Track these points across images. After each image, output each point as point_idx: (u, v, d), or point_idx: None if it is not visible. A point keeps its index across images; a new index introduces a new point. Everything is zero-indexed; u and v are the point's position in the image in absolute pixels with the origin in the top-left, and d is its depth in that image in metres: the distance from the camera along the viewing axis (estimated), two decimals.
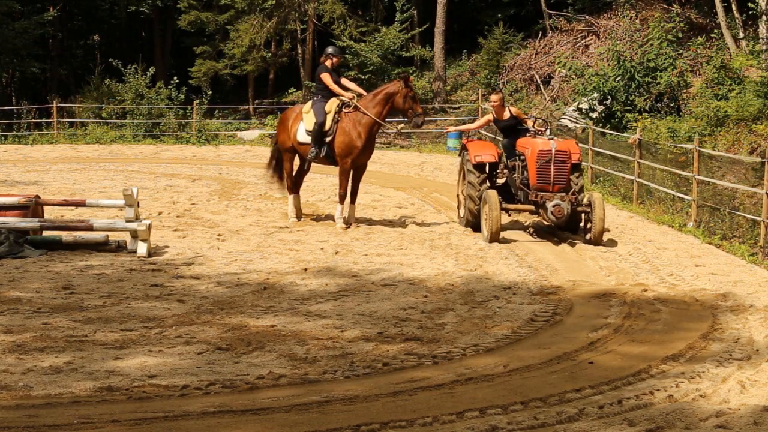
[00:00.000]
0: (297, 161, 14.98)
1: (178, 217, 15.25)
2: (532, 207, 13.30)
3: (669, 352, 8.00)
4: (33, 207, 12.53)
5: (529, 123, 14.14)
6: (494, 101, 14.11)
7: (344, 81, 14.55)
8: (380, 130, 14.55)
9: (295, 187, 14.89)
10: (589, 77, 23.89)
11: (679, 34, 25.07)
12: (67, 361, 7.30)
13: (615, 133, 20.61)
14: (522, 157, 13.58)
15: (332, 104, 14.08)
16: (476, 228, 13.75)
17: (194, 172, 22.38)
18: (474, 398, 6.65)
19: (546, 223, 13.61)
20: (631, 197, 17.57)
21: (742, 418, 6.25)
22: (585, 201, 13.26)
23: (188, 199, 17.31)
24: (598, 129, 20.80)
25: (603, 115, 23.20)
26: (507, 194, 13.75)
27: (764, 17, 23.73)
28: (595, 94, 23.40)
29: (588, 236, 13.12)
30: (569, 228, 13.70)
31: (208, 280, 10.53)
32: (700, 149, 15.29)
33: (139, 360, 7.39)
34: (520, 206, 13.55)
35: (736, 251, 12.80)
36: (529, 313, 9.26)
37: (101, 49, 44.19)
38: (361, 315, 9.01)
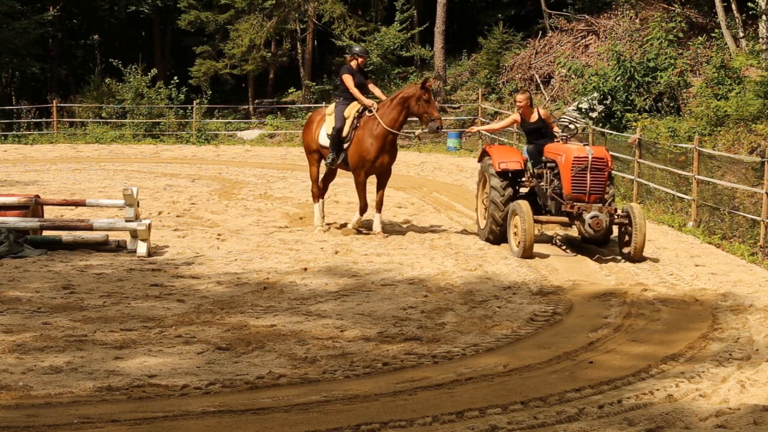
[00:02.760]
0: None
1: (178, 216, 15.25)
2: (565, 219, 12.20)
3: (669, 351, 8.00)
4: (33, 207, 12.53)
5: (556, 128, 13.19)
6: (520, 101, 13.12)
7: (371, 86, 13.86)
8: (399, 135, 13.68)
9: (321, 193, 14.24)
10: (589, 77, 23.89)
11: (680, 34, 25.07)
12: (67, 360, 7.30)
13: (615, 132, 20.61)
14: (552, 164, 12.48)
15: (352, 109, 13.46)
16: (500, 242, 12.71)
17: (194, 172, 22.40)
18: (474, 398, 6.65)
19: (583, 235, 12.26)
20: (630, 197, 17.57)
21: (742, 418, 6.25)
22: (622, 212, 12.12)
23: (188, 199, 17.32)
24: (598, 129, 20.81)
25: (603, 114, 23.21)
26: (533, 205, 12.45)
27: (764, 17, 23.73)
28: (595, 94, 23.41)
29: (627, 251, 12.02)
30: (598, 241, 12.60)
31: (208, 280, 10.53)
32: (700, 149, 15.29)
33: (139, 360, 7.39)
34: (552, 218, 12.40)
35: (736, 251, 12.80)
36: (529, 312, 9.26)
37: (101, 49, 44.21)
38: (361, 315, 9.01)
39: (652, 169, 17.37)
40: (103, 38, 45.08)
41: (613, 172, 13.48)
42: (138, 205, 12.22)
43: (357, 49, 13.93)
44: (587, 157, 12.02)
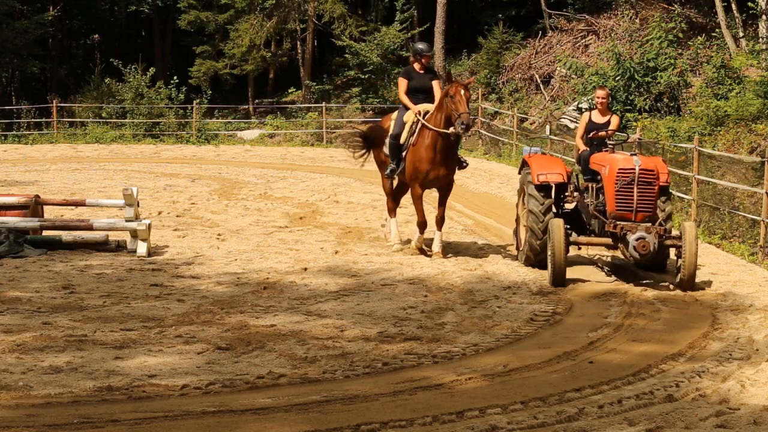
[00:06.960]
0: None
1: (177, 216, 15.25)
2: (608, 240, 10.65)
3: (669, 351, 7.99)
4: (33, 207, 12.53)
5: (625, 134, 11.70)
6: (601, 97, 11.75)
7: (435, 85, 12.17)
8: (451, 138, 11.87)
9: (395, 207, 12.89)
10: (589, 77, 23.90)
11: (680, 34, 25.08)
12: (67, 360, 7.30)
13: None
14: (597, 177, 10.99)
15: (411, 114, 12.02)
16: (541, 265, 11.07)
17: (194, 172, 22.40)
18: (474, 398, 6.65)
19: (629, 259, 10.85)
20: None
21: (742, 418, 6.25)
22: (675, 232, 10.69)
23: (188, 199, 17.32)
24: None
25: None
26: (580, 223, 11.20)
27: (764, 17, 23.75)
28: None
29: (678, 277, 10.42)
30: (654, 266, 11.19)
31: (208, 280, 10.53)
32: (700, 149, 15.29)
33: (139, 360, 7.38)
34: (593, 239, 10.87)
35: (736, 251, 12.80)
36: (529, 312, 9.26)
37: (101, 49, 44.16)
38: (361, 315, 9.01)
39: None
40: (103, 38, 45.05)
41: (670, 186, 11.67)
42: (138, 205, 12.22)
43: (420, 46, 12.38)
44: (634, 169, 10.44)
